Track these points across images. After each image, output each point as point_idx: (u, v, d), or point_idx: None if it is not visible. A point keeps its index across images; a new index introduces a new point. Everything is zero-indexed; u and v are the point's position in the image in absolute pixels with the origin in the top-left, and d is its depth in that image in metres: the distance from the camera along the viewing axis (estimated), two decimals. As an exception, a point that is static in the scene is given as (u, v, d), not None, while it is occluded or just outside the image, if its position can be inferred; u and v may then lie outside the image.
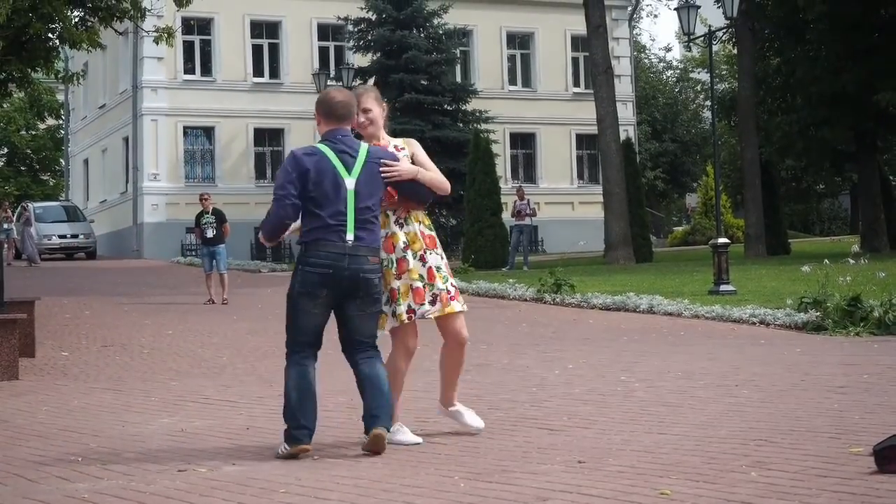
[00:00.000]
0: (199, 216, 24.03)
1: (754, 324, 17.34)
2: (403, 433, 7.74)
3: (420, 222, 7.93)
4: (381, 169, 7.61)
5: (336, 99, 7.69)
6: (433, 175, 7.95)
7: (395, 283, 7.71)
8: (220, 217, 23.82)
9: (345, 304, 7.48)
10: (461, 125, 43.76)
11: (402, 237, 7.79)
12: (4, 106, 58.26)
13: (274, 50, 47.98)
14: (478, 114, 44.21)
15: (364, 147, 7.65)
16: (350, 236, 7.43)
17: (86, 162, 55.75)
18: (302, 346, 7.46)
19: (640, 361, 12.77)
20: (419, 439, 7.73)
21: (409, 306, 7.68)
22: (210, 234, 23.66)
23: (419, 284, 7.73)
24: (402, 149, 7.97)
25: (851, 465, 6.46)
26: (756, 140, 37.95)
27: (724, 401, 9.38)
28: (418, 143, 8.19)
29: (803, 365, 11.95)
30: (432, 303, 7.76)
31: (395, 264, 7.73)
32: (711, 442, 7.38)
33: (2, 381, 12.56)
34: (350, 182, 7.49)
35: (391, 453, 7.29)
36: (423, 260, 7.79)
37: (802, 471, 6.34)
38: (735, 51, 43.37)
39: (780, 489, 5.89)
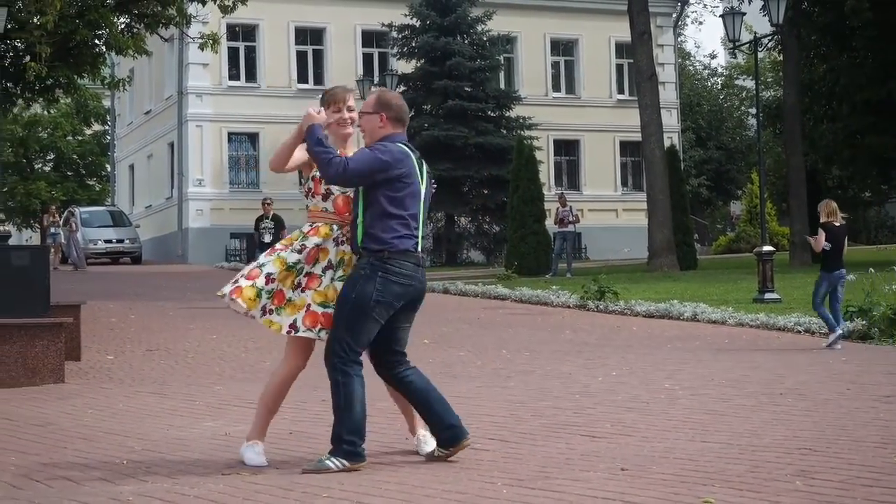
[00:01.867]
0: (259, 221, 24.08)
1: (799, 332, 17.27)
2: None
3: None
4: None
5: (402, 104, 7.55)
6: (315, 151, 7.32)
7: (290, 293, 7.33)
8: (279, 223, 23.85)
9: (401, 315, 7.32)
10: (505, 132, 43.74)
11: (332, 255, 7.37)
12: (51, 111, 58.65)
13: (318, 56, 48.10)
14: (521, 120, 44.18)
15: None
16: (419, 247, 7.34)
17: (131, 167, 56.07)
18: (358, 354, 7.21)
19: (684, 369, 12.73)
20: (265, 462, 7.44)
21: (294, 322, 7.29)
22: (267, 239, 23.68)
23: (318, 310, 7.29)
24: None
25: (897, 474, 6.42)
26: (801, 148, 37.73)
27: (768, 409, 9.33)
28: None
29: (849, 374, 11.88)
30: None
31: (304, 275, 7.34)
32: (755, 450, 7.34)
33: (48, 384, 12.64)
34: (423, 190, 7.40)
35: (433, 459, 7.29)
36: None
37: (847, 480, 6.30)
38: (780, 58, 43.11)
39: (824, 499, 5.85)
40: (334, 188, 7.40)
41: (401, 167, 7.25)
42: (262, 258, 7.43)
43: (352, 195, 7.36)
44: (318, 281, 7.33)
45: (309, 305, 7.29)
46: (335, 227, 7.41)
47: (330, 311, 7.25)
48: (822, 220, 16.20)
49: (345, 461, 7.05)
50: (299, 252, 7.34)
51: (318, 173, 7.38)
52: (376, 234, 7.18)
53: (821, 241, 15.89)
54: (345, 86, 7.85)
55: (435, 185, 7.75)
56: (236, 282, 7.35)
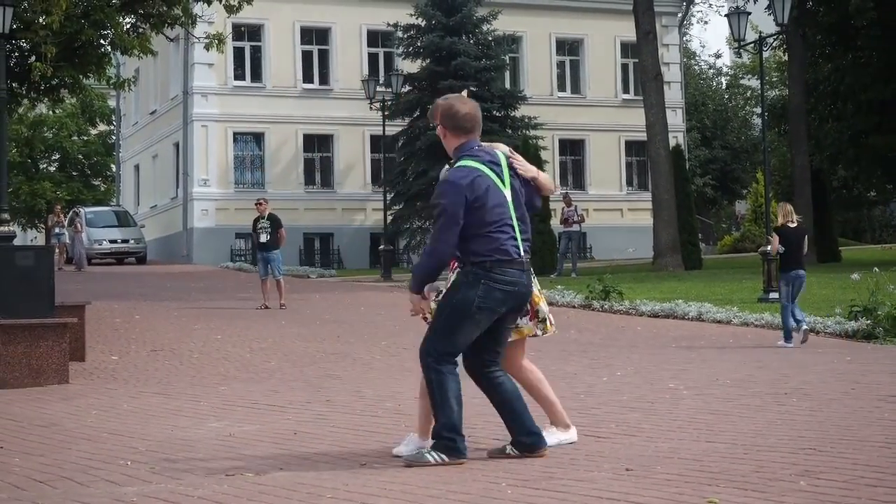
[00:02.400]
0: (256, 221, 24.02)
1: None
2: None
3: None
4: (511, 163, 7.42)
5: (462, 111, 7.42)
6: (546, 175, 7.72)
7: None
8: (275, 222, 23.71)
9: (506, 316, 7.39)
10: (510, 131, 43.70)
11: None
12: (57, 111, 58.70)
13: (324, 56, 48.09)
14: (527, 120, 44.16)
15: (500, 154, 7.46)
16: (522, 250, 7.35)
17: (136, 167, 56.08)
18: (453, 356, 7.30)
19: (689, 369, 12.72)
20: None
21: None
22: (263, 238, 23.60)
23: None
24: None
25: (902, 474, 6.41)
26: (806, 147, 37.72)
27: (773, 409, 9.33)
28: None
29: (853, 373, 11.87)
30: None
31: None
32: (760, 450, 7.33)
33: (53, 384, 12.66)
34: (508, 193, 7.35)
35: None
36: None
37: (852, 480, 6.29)
38: (786, 57, 43.09)
39: (829, 499, 5.85)
40: None
41: (472, 191, 7.22)
42: None
43: None
44: None
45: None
46: None
47: None
48: (778, 223, 16.58)
49: (444, 456, 7.18)
50: None
51: None
52: (477, 248, 7.22)
53: (775, 245, 16.39)
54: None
55: (530, 179, 7.57)
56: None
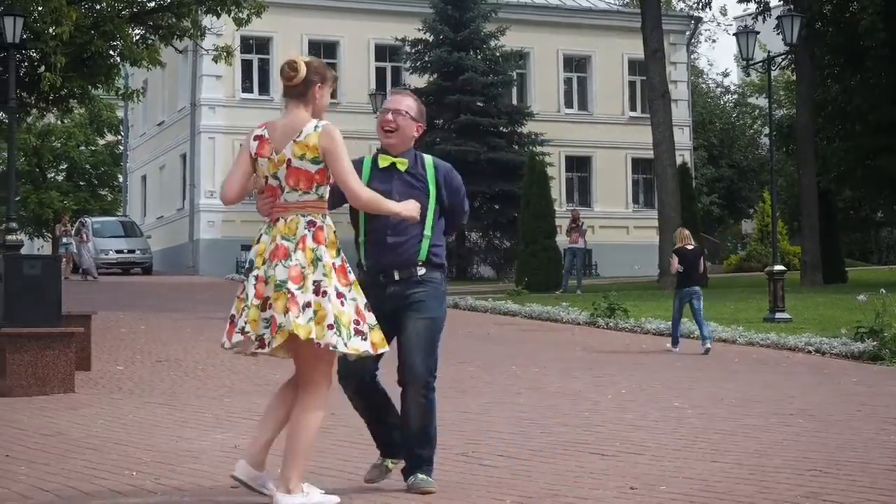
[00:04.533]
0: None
1: (810, 352, 17.25)
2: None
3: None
4: None
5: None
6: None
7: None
8: None
9: None
10: (517, 147, 43.73)
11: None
12: (65, 121, 58.78)
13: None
14: (533, 136, 44.17)
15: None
16: None
17: (144, 178, 56.16)
18: None
19: (694, 388, 12.72)
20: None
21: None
22: None
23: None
24: None
25: (907, 497, 6.41)
26: (814, 167, 37.70)
27: (778, 430, 9.32)
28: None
29: (859, 395, 11.86)
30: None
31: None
32: (765, 471, 7.33)
33: (58, 393, 12.67)
34: None
35: (441, 475, 7.24)
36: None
37: (857, 503, 6.28)
38: (794, 77, 43.10)
39: (834, 520, 5.85)
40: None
41: None
42: (346, 290, 6.38)
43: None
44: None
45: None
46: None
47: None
48: (676, 246, 18.68)
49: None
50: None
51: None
52: (439, 250, 7.00)
53: (675, 265, 18.35)
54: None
55: None
56: (363, 336, 6.35)
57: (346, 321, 6.27)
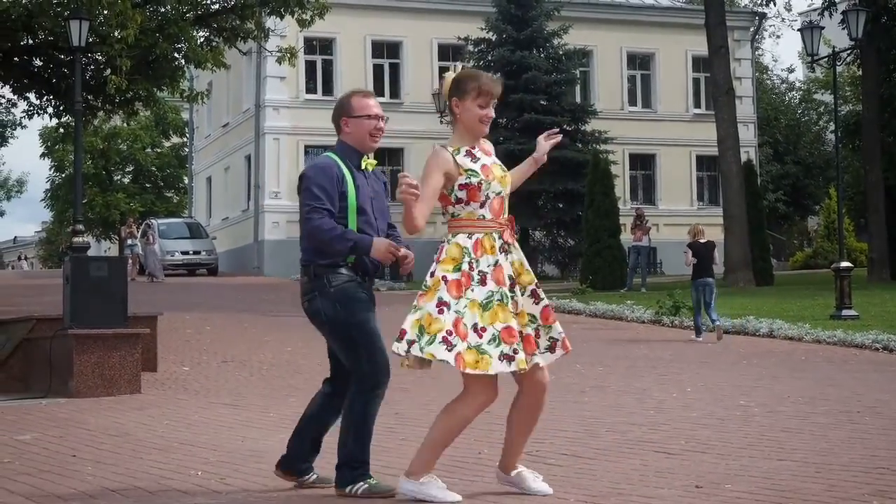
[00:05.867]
0: None
1: (877, 350, 17.09)
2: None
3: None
4: None
5: None
6: None
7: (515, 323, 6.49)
8: None
9: None
10: (580, 146, 43.62)
11: (508, 270, 6.59)
12: (131, 124, 59.37)
13: (394, 70, 48.29)
14: (597, 134, 44.04)
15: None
16: None
17: (209, 179, 56.53)
18: None
19: (760, 386, 12.63)
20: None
21: (503, 352, 6.36)
22: None
23: (530, 330, 6.57)
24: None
25: (977, 495, 6.33)
26: (880, 163, 37.34)
27: (845, 428, 9.24)
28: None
29: (927, 392, 11.73)
30: (551, 349, 6.65)
31: (509, 301, 6.52)
32: (832, 469, 7.27)
33: (125, 394, 12.77)
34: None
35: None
36: (535, 296, 6.72)
37: (926, 501, 6.22)
38: (860, 72, 42.71)
39: (902, 519, 5.79)
40: (492, 190, 6.61)
41: None
42: (453, 302, 6.38)
43: (504, 195, 6.69)
44: (515, 304, 6.56)
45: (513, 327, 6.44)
46: (495, 235, 6.58)
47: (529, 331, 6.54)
48: (689, 241, 19.76)
49: None
50: (484, 283, 6.45)
51: (471, 180, 6.55)
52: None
53: (688, 258, 19.54)
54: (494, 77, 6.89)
55: None
56: (450, 347, 6.35)
57: (436, 329, 6.35)
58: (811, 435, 8.86)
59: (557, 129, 7.21)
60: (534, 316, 6.62)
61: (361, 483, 6.66)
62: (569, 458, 7.94)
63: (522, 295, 6.60)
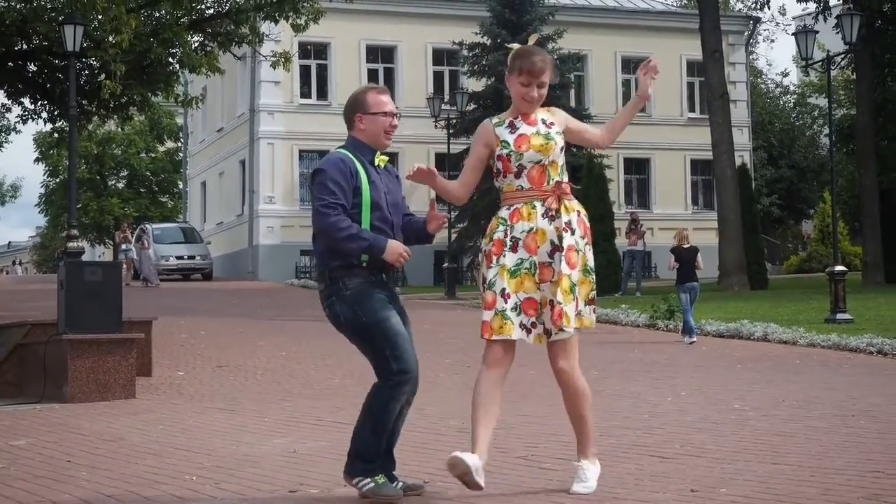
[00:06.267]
0: None
1: (871, 353, 17.09)
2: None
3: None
4: None
5: None
6: None
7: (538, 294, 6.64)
8: None
9: None
10: (575, 150, 43.60)
11: (552, 235, 6.64)
12: (125, 129, 59.40)
13: (389, 74, 48.32)
14: (592, 139, 44.02)
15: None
16: None
17: (203, 184, 56.55)
18: None
19: (754, 390, 12.63)
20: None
21: (522, 322, 6.60)
22: None
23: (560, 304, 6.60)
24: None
25: (971, 499, 6.33)
26: (874, 167, 37.38)
27: (839, 431, 9.24)
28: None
29: (922, 396, 11.73)
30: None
31: (536, 269, 6.63)
32: (827, 473, 7.27)
33: (119, 399, 12.76)
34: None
35: (501, 478, 7.24)
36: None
37: (920, 504, 6.22)
38: (854, 76, 42.76)
39: (897, 522, 5.79)
40: (526, 159, 6.68)
41: None
42: (487, 272, 6.64)
43: (547, 163, 6.72)
44: (550, 271, 6.61)
45: (550, 302, 6.61)
46: (537, 203, 6.66)
47: (566, 305, 6.61)
48: (673, 246, 20.33)
49: None
50: (515, 250, 6.61)
51: (503, 151, 6.69)
52: None
53: (671, 262, 20.23)
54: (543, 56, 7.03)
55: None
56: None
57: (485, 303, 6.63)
58: (806, 439, 8.87)
59: (649, 59, 7.15)
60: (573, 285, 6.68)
61: (369, 480, 6.59)
62: (564, 463, 7.93)
63: (562, 262, 6.60)
